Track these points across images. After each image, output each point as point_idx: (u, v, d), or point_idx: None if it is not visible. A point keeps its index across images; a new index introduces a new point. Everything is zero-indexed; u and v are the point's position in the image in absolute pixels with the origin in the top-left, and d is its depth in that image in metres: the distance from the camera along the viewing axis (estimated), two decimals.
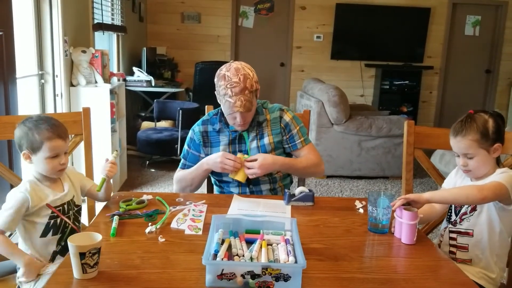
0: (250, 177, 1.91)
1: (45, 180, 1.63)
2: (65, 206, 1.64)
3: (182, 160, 2.11)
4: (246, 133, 2.03)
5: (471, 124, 1.64)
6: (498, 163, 1.73)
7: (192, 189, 2.06)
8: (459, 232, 1.72)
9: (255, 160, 1.88)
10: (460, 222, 1.71)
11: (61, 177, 1.69)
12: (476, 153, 1.64)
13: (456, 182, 1.81)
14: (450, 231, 1.74)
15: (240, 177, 1.90)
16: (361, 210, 1.78)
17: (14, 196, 1.55)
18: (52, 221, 1.60)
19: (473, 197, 1.56)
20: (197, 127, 2.09)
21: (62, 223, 1.64)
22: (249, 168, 1.88)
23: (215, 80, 1.93)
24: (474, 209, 1.68)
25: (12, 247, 1.55)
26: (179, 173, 2.09)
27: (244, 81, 1.86)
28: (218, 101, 1.96)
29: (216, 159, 1.90)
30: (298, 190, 1.84)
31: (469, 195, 1.56)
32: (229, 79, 1.86)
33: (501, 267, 1.72)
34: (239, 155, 1.92)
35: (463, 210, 1.71)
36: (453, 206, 1.76)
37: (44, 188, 1.61)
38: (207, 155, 2.04)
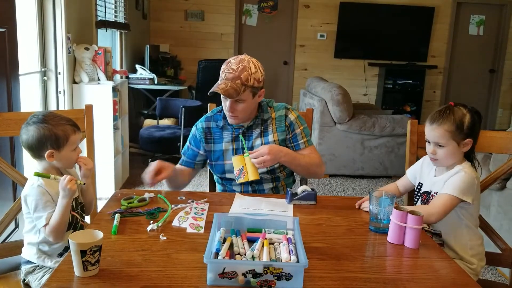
0: (260, 166, 1.83)
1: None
2: (73, 202, 1.65)
3: (182, 156, 2.12)
4: (242, 135, 2.02)
5: (449, 115, 1.70)
6: (473, 159, 1.79)
7: (178, 188, 2.08)
8: (430, 232, 1.78)
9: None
10: (430, 224, 1.78)
11: (64, 173, 1.69)
12: (447, 144, 1.70)
13: (422, 172, 1.87)
14: (425, 230, 1.78)
15: (250, 176, 1.84)
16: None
17: (34, 193, 1.56)
18: None
19: (426, 221, 1.67)
20: (200, 124, 2.09)
21: (74, 219, 1.65)
22: (257, 164, 1.84)
23: None
24: None
25: (57, 214, 1.54)
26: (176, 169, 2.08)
27: (241, 71, 1.86)
28: None
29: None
30: (300, 189, 1.83)
31: (426, 217, 1.61)
32: (229, 65, 1.89)
33: (480, 258, 1.79)
34: (237, 157, 1.88)
35: None
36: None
37: (53, 183, 1.61)
38: (207, 151, 2.05)
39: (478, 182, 1.74)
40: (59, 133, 1.57)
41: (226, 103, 1.94)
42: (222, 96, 1.90)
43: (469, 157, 1.78)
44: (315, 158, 2.04)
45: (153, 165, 1.84)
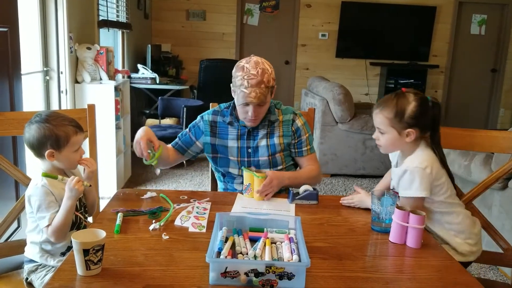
0: (267, 197, 1.85)
1: None
2: (77, 202, 1.65)
3: (177, 139, 2.13)
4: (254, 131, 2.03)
5: (392, 101, 1.65)
6: (437, 154, 1.67)
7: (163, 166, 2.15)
8: None
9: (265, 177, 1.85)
10: None
11: (69, 175, 1.69)
12: (387, 131, 1.68)
13: (393, 157, 1.86)
14: None
15: (256, 196, 1.86)
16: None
17: (38, 193, 1.56)
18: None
19: None
20: (206, 116, 2.09)
21: (78, 219, 1.66)
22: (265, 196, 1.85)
23: (233, 71, 1.94)
24: None
25: (61, 215, 1.54)
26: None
27: (262, 74, 1.87)
28: (232, 93, 1.95)
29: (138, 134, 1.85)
30: (302, 189, 1.84)
31: None
32: (247, 71, 1.87)
33: (466, 237, 1.72)
34: (248, 173, 1.87)
35: None
36: None
37: (57, 184, 1.61)
38: (211, 144, 2.05)
39: (431, 170, 1.63)
40: (60, 134, 1.57)
41: (247, 109, 1.91)
42: (245, 101, 1.88)
43: (434, 151, 1.69)
44: (314, 170, 2.08)
45: (143, 143, 1.81)
